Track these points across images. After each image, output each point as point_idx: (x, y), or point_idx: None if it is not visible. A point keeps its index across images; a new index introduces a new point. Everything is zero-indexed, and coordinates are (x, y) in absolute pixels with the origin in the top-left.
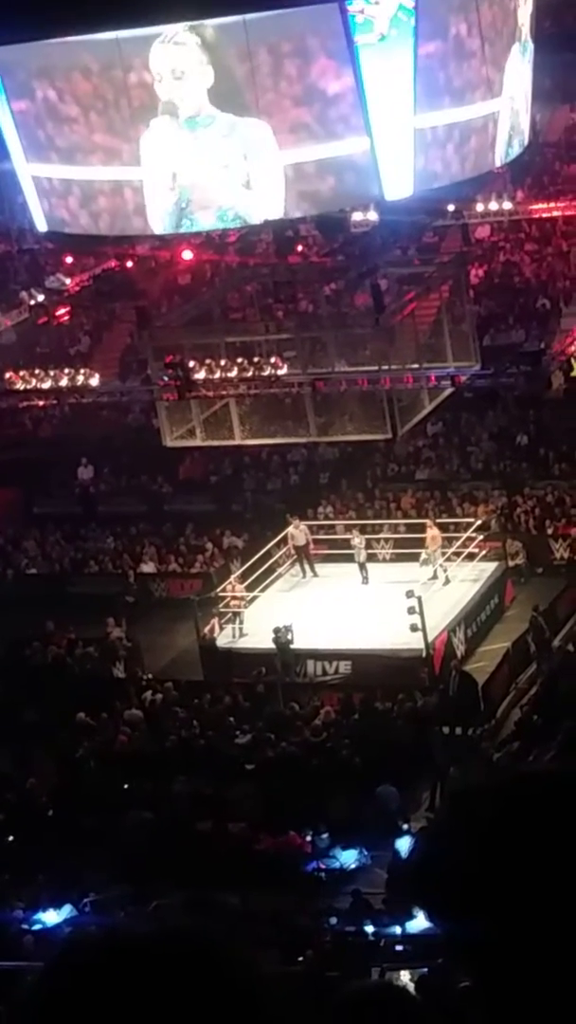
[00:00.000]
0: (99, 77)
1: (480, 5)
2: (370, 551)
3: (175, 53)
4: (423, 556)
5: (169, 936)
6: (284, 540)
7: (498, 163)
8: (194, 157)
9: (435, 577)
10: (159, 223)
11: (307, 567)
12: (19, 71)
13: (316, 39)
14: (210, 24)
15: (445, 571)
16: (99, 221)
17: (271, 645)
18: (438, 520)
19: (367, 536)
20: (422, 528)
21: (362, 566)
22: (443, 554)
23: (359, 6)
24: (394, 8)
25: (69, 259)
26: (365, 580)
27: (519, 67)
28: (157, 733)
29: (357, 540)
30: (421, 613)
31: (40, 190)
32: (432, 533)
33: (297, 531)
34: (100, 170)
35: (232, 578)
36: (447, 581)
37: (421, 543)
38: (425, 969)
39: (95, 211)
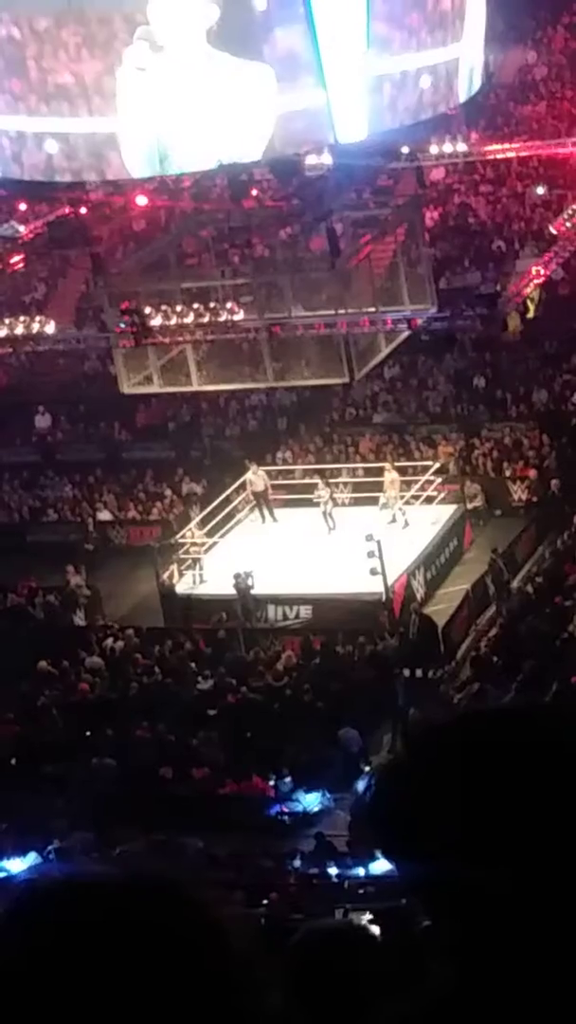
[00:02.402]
0: None
1: None
2: (333, 497)
3: None
4: (382, 500)
5: (132, 879)
6: (243, 486)
7: (453, 104)
8: (182, 98)
9: (394, 520)
10: (137, 167)
11: (266, 512)
12: None
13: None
14: None
15: (404, 514)
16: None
17: (231, 591)
18: (396, 463)
19: (329, 482)
20: (381, 472)
21: (327, 516)
22: (402, 497)
23: None
24: None
25: (22, 206)
26: (331, 528)
27: (476, 8)
28: (118, 680)
29: (323, 491)
30: (380, 557)
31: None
32: (391, 477)
33: (256, 477)
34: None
35: (191, 524)
36: (406, 524)
37: (380, 487)
38: (387, 910)
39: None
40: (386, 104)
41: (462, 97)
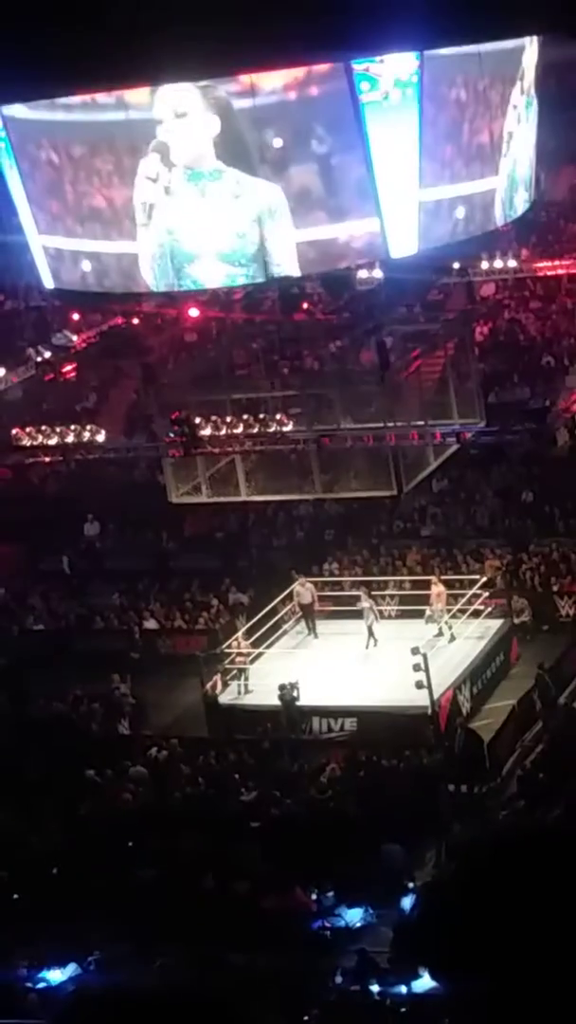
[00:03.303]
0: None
1: (481, 72)
2: (377, 609)
3: (177, 96)
4: (428, 613)
5: (174, 993)
6: (290, 597)
7: (501, 223)
8: (198, 213)
9: (440, 634)
10: (152, 279)
11: (312, 624)
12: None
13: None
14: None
15: (450, 628)
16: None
17: (276, 702)
18: (443, 577)
19: (374, 593)
20: (427, 585)
21: (370, 629)
22: (448, 611)
23: (364, 65)
24: (399, 70)
25: (76, 316)
26: (372, 643)
27: (523, 129)
28: (162, 790)
29: (366, 603)
30: (427, 670)
31: (46, 250)
32: (437, 590)
33: (303, 589)
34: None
35: (237, 634)
36: (452, 638)
37: (426, 600)
38: None
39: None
40: (453, 218)
41: (500, 221)
